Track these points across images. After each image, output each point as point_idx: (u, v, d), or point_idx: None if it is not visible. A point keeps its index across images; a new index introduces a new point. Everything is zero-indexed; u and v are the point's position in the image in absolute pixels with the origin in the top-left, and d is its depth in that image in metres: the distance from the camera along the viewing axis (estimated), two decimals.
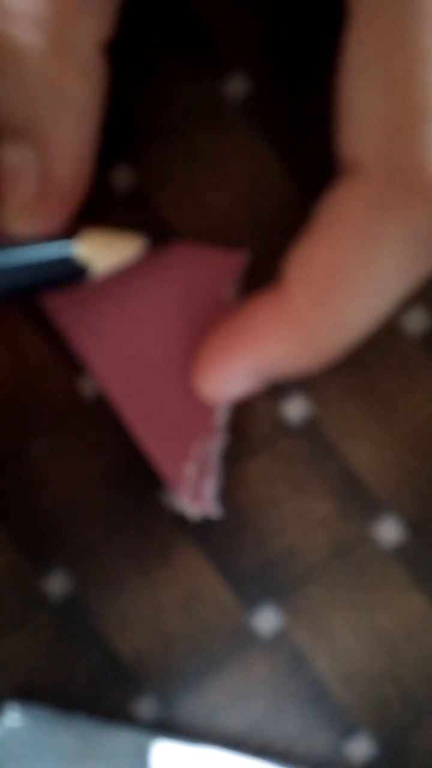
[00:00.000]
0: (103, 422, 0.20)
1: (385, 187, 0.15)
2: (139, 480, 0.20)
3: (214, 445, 0.19)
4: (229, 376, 0.17)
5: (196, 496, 0.19)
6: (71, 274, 0.17)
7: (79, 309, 0.19)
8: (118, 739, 0.19)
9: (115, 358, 0.19)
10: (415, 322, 0.19)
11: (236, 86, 0.19)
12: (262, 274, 0.19)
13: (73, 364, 0.20)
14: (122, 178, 0.19)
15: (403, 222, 0.15)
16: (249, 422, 0.19)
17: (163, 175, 0.19)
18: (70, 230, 0.18)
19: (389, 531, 0.19)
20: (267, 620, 0.19)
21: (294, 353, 0.16)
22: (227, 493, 0.19)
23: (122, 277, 0.19)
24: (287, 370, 0.17)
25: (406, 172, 0.14)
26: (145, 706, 0.20)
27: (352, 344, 0.16)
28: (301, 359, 0.16)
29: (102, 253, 0.17)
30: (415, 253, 0.15)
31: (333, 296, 0.15)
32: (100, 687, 0.20)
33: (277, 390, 0.19)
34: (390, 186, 0.15)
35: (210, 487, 0.19)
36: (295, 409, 0.19)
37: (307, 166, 0.19)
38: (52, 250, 0.17)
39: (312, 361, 0.16)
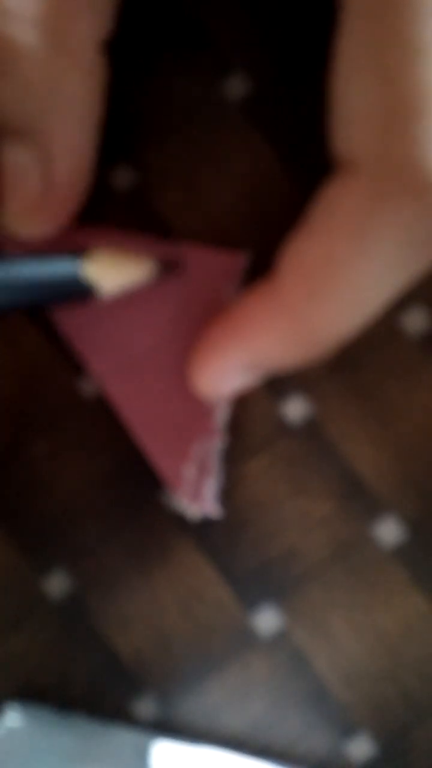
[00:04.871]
0: (103, 422, 0.20)
1: (378, 182, 0.15)
2: (139, 480, 0.20)
3: (213, 446, 0.19)
4: (225, 370, 0.17)
5: (195, 496, 0.19)
6: (78, 292, 0.17)
7: (80, 310, 0.19)
8: (118, 739, 0.19)
9: (115, 358, 0.19)
10: (414, 322, 0.19)
11: (236, 86, 0.19)
12: (262, 275, 0.19)
13: (73, 365, 0.20)
14: (122, 178, 0.19)
15: (395, 218, 0.15)
16: (249, 422, 0.19)
17: (163, 175, 0.19)
18: (82, 248, 0.18)
19: (389, 531, 0.19)
20: (267, 620, 0.19)
21: (288, 346, 0.16)
22: (227, 493, 0.19)
23: None
24: (282, 363, 0.17)
25: (399, 167, 0.14)
26: (145, 706, 0.20)
27: (347, 338, 0.16)
28: (295, 352, 0.16)
29: (111, 274, 0.17)
30: (409, 249, 0.15)
31: (326, 289, 0.15)
32: (100, 687, 0.20)
33: (277, 390, 0.19)
34: (382, 182, 0.15)
35: (210, 487, 0.19)
36: (295, 409, 0.19)
37: (307, 166, 0.19)
38: (62, 268, 0.17)
39: (306, 354, 0.16)
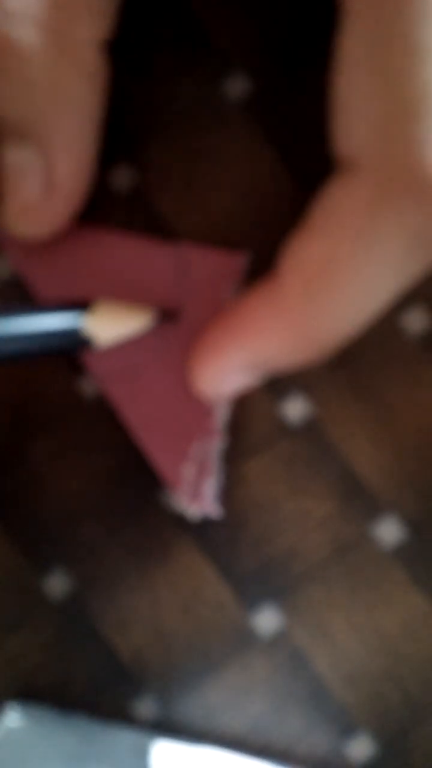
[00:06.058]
0: (103, 422, 0.20)
1: (380, 183, 0.15)
2: (139, 480, 0.20)
3: (213, 446, 0.19)
4: (225, 370, 0.17)
5: (195, 496, 0.19)
6: (76, 344, 0.18)
7: None
8: (118, 739, 0.19)
9: (115, 359, 0.19)
10: (415, 321, 0.19)
11: (236, 86, 0.19)
12: (262, 275, 0.19)
13: (73, 365, 0.20)
14: (122, 178, 0.19)
15: (397, 219, 0.15)
16: (249, 422, 0.19)
17: (163, 175, 0.19)
18: (82, 300, 0.18)
19: (389, 531, 0.19)
20: (267, 620, 0.19)
21: (288, 346, 0.16)
22: (227, 493, 0.19)
23: (123, 278, 0.19)
24: (282, 364, 0.17)
25: (401, 167, 0.14)
26: (145, 706, 0.20)
27: (347, 339, 0.16)
28: (295, 352, 0.16)
29: (110, 326, 0.18)
30: (410, 250, 0.15)
31: (326, 291, 0.15)
32: (100, 687, 0.20)
33: (277, 390, 0.19)
34: (384, 182, 0.15)
35: (210, 487, 0.19)
36: (295, 409, 0.19)
37: (307, 166, 0.19)
38: (60, 321, 0.17)
39: (307, 355, 0.16)
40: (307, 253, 0.15)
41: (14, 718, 0.19)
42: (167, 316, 0.18)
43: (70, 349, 0.18)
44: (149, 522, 0.20)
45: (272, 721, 0.19)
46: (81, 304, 0.18)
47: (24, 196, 0.17)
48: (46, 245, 0.19)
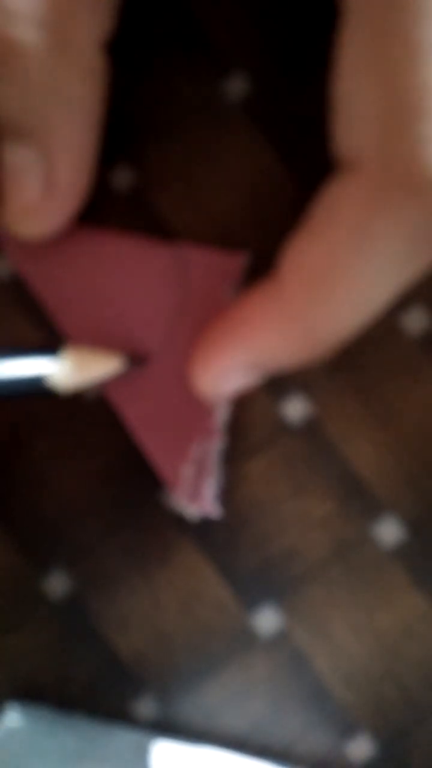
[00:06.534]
0: (103, 422, 0.20)
1: (380, 182, 0.15)
2: (139, 480, 0.20)
3: (213, 446, 0.19)
4: (226, 370, 0.17)
5: (194, 496, 0.19)
6: (42, 390, 0.17)
7: (80, 310, 0.19)
8: (118, 739, 0.19)
9: None
10: (414, 322, 0.19)
11: (236, 86, 0.19)
12: (262, 275, 0.19)
13: None
14: (122, 178, 0.19)
15: (397, 217, 0.15)
16: (249, 422, 0.19)
17: (163, 175, 0.19)
18: (52, 344, 0.18)
19: (389, 531, 0.19)
20: (267, 620, 0.19)
21: (288, 346, 0.16)
22: (227, 493, 0.19)
23: (122, 278, 0.19)
24: (283, 363, 0.17)
25: (401, 167, 0.14)
26: (145, 706, 0.20)
27: (347, 338, 0.16)
28: (295, 352, 0.16)
29: (77, 373, 0.18)
30: (411, 249, 0.15)
31: (327, 290, 0.15)
32: (100, 687, 0.20)
33: (277, 390, 0.19)
34: (384, 181, 0.15)
35: (210, 487, 0.19)
36: (295, 409, 0.19)
37: (307, 166, 0.19)
38: (28, 367, 0.17)
39: (307, 354, 0.16)
40: (307, 252, 0.15)
41: (14, 718, 0.19)
42: (136, 361, 0.18)
43: (37, 395, 0.18)
44: (149, 522, 0.20)
45: (272, 721, 0.19)
46: (49, 350, 0.18)
47: (24, 196, 0.17)
48: (46, 245, 0.19)
